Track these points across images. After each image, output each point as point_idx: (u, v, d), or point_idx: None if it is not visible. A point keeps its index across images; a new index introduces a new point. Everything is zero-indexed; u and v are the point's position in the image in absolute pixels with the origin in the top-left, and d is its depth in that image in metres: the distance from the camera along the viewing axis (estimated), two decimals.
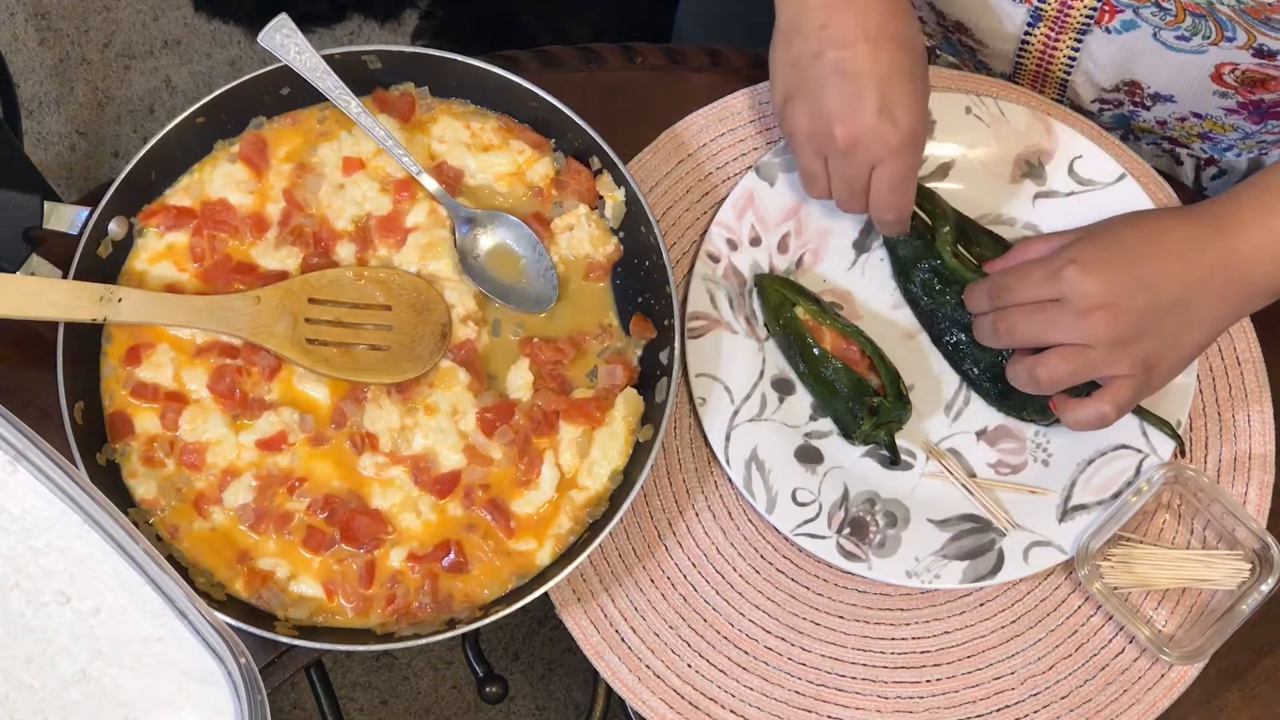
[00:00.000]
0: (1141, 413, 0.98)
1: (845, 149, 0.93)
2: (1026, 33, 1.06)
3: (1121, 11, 0.99)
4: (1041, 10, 1.03)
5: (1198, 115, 1.08)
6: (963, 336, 1.00)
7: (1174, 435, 0.98)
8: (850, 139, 0.92)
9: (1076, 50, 1.05)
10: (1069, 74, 1.08)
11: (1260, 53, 0.97)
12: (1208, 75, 1.02)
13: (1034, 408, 0.98)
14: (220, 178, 0.98)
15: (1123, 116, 1.12)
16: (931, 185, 1.04)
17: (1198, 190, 1.18)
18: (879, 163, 0.93)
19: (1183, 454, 1.00)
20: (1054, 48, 1.05)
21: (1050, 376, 0.91)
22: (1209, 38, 0.97)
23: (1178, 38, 0.98)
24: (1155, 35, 0.99)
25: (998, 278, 0.95)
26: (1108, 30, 1.01)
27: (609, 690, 1.00)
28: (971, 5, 1.07)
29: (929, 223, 1.00)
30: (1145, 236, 0.92)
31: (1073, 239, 0.94)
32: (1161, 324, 0.90)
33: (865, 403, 0.97)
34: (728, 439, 0.98)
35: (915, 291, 1.01)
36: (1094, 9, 1.00)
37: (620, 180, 0.98)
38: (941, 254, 1.00)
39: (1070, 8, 1.01)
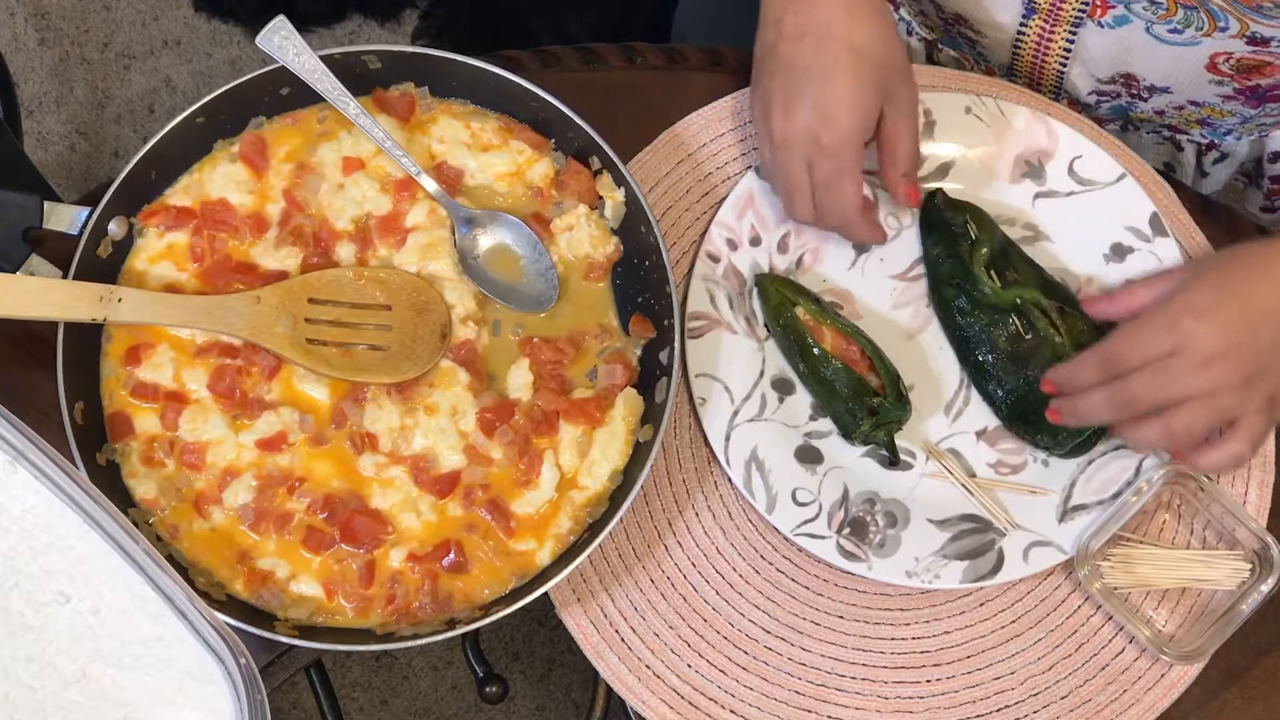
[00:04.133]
0: None
1: (780, 140, 0.95)
2: (1021, 25, 1.06)
3: (1114, 7, 0.99)
4: (1035, 3, 1.03)
5: (1195, 103, 1.08)
6: (990, 357, 0.99)
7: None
8: (782, 131, 0.94)
9: (1071, 43, 1.05)
10: (1065, 66, 1.08)
11: (1254, 40, 0.97)
12: (1202, 65, 1.02)
13: (1048, 434, 0.98)
14: (220, 178, 0.98)
15: (1120, 108, 1.12)
16: (932, 185, 1.04)
17: (1199, 174, 1.18)
18: (811, 161, 0.94)
19: None
20: (1049, 39, 1.06)
21: (1188, 432, 0.90)
22: (1201, 29, 0.97)
23: (1170, 31, 0.99)
24: (1148, 29, 1.00)
25: (1108, 348, 0.92)
26: (1100, 24, 1.02)
27: (609, 690, 1.00)
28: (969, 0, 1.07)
29: (972, 239, 1.00)
30: (1254, 272, 0.91)
31: (1178, 282, 0.93)
32: None
33: (865, 403, 0.97)
34: (728, 439, 0.98)
35: (948, 309, 1.01)
36: (1086, 3, 1.00)
37: (620, 180, 0.98)
38: (975, 274, 0.99)
39: (1063, 1, 1.01)
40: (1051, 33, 1.05)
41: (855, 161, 0.94)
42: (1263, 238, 0.95)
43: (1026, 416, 0.98)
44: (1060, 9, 1.02)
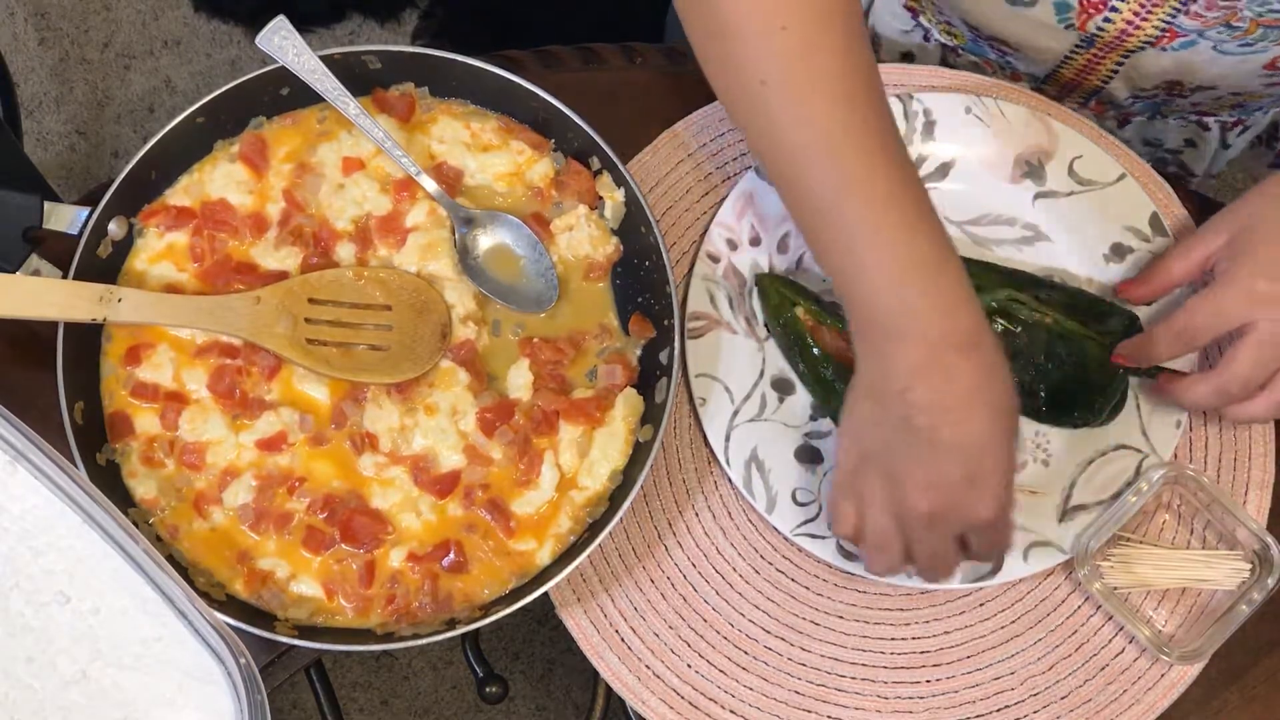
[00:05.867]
0: None
1: (928, 521, 0.86)
2: (1073, 52, 1.05)
3: (1184, 35, 0.97)
4: (1098, 37, 1.01)
5: (1236, 94, 1.06)
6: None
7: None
8: (934, 511, 0.85)
9: (1121, 64, 1.03)
10: (1108, 83, 1.07)
11: None
12: (1260, 66, 1.00)
13: (1084, 409, 0.98)
14: (220, 178, 0.98)
15: (1154, 104, 1.11)
16: (931, 185, 1.04)
17: (1221, 147, 1.16)
18: (967, 532, 0.88)
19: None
20: (1098, 64, 1.04)
21: None
22: (1278, 40, 0.95)
23: (1241, 46, 0.97)
24: (1215, 48, 0.97)
25: (1182, 323, 0.91)
26: (1163, 49, 1.00)
27: (609, 690, 1.00)
28: (1014, 29, 1.05)
29: None
30: None
31: (1222, 247, 0.91)
32: None
33: None
34: (727, 439, 0.98)
35: None
36: (1155, 36, 0.98)
37: (620, 180, 0.98)
38: None
39: (1129, 36, 0.99)
40: (1103, 59, 1.03)
41: (1009, 520, 0.88)
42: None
43: (1058, 402, 0.98)
44: (1124, 41, 0.99)
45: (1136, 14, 0.97)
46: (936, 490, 0.84)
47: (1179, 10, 0.95)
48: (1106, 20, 0.99)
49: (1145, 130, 1.16)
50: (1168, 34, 0.98)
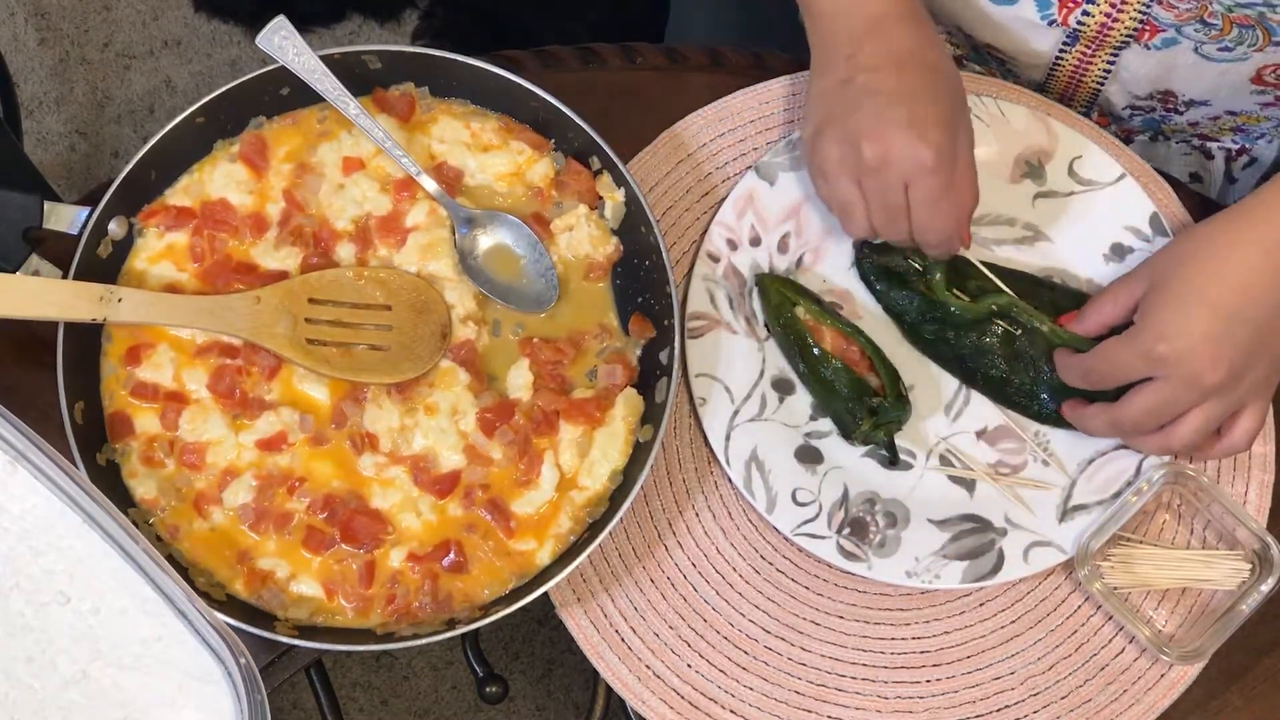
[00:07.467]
0: None
1: (876, 165, 0.91)
2: (1061, 51, 1.05)
3: (1163, 30, 0.98)
4: (1079, 31, 1.02)
5: (1232, 113, 1.07)
6: (996, 369, 0.99)
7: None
8: (880, 154, 0.91)
9: (1112, 64, 1.04)
10: (1102, 85, 1.07)
11: None
12: (1248, 79, 1.01)
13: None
14: (220, 178, 0.98)
15: (1153, 120, 1.11)
16: None
17: (1228, 181, 1.17)
18: (911, 181, 0.92)
19: None
20: (1089, 64, 1.05)
21: (1195, 438, 0.91)
22: (1254, 45, 0.96)
23: (1220, 49, 0.98)
24: (1196, 49, 0.99)
25: (1089, 367, 0.93)
26: (1147, 47, 1.00)
27: (609, 690, 1.00)
28: (1003, 31, 1.06)
29: (921, 269, 1.00)
30: (1210, 269, 0.89)
31: (1142, 297, 0.92)
32: (1268, 342, 0.89)
33: (865, 403, 0.97)
34: (728, 439, 0.98)
35: (935, 345, 1.01)
36: (1135, 29, 0.99)
37: (620, 180, 0.98)
38: (944, 300, 0.99)
39: (1110, 29, 1.00)
40: (1093, 57, 1.04)
41: (950, 177, 0.92)
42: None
43: (1058, 402, 0.98)
44: (1107, 35, 1.01)
45: (1113, 4, 0.98)
46: (879, 133, 0.91)
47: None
48: (1085, 14, 1.00)
49: (1149, 154, 1.15)
50: (1148, 28, 0.99)
